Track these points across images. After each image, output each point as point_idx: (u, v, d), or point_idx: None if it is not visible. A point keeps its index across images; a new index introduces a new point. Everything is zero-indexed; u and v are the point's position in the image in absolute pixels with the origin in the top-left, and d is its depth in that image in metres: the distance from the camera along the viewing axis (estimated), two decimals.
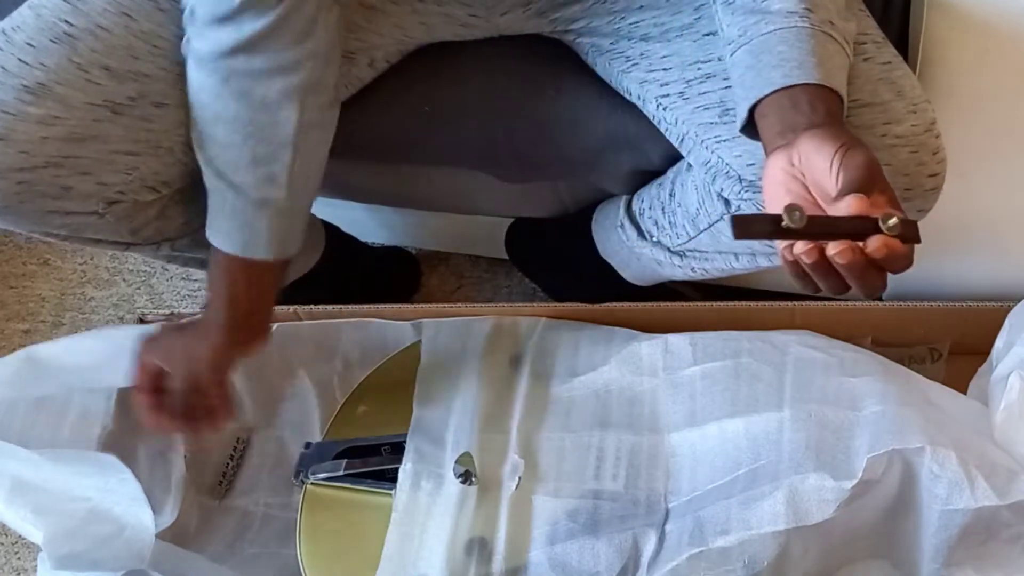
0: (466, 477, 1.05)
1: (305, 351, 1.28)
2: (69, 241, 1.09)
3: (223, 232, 1.01)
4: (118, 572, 1.03)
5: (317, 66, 0.98)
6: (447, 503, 1.05)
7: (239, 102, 0.96)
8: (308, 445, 1.16)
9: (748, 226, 0.75)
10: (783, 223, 0.73)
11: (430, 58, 1.14)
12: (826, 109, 0.84)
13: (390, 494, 1.07)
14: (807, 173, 0.80)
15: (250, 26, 0.92)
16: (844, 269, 0.76)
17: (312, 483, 1.13)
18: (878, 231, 0.74)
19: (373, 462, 1.12)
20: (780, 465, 1.01)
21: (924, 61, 1.05)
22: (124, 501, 1.05)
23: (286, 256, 1.04)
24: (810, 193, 0.80)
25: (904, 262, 0.76)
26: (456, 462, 1.06)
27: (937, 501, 0.97)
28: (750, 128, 0.89)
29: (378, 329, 1.27)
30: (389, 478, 1.09)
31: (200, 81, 0.97)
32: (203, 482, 1.27)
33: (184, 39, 0.98)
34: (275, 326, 1.25)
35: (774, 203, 0.81)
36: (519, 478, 1.07)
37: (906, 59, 1.07)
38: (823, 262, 0.76)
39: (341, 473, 1.12)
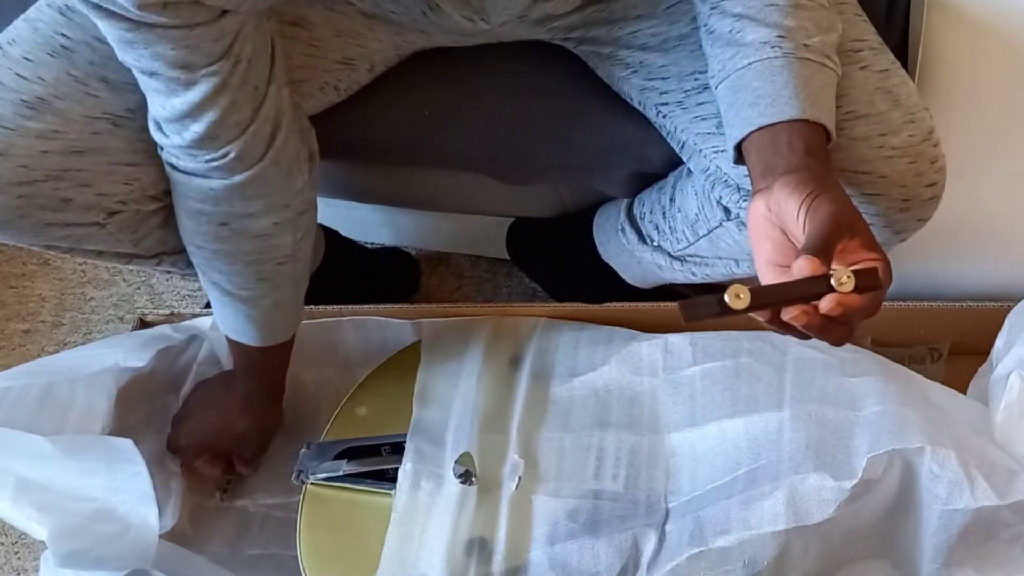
0: (466, 477, 1.05)
1: (305, 351, 1.28)
2: (71, 254, 1.09)
3: (240, 332, 1.09)
4: (122, 571, 1.03)
5: (306, 195, 1.04)
6: (447, 503, 1.05)
7: (237, 239, 1.01)
8: (308, 445, 1.16)
9: (696, 310, 0.74)
10: (728, 304, 0.73)
11: (431, 62, 1.14)
12: (804, 146, 0.84)
13: (390, 494, 1.07)
14: (781, 221, 0.80)
15: (241, 176, 0.95)
16: (804, 328, 0.76)
17: (312, 483, 1.13)
18: (831, 289, 0.74)
19: (373, 462, 1.12)
20: (780, 465, 1.01)
21: (924, 61, 1.05)
22: (130, 500, 1.06)
23: (298, 326, 1.15)
24: (789, 241, 0.80)
25: (864, 312, 0.76)
26: (456, 462, 1.06)
27: (937, 501, 0.97)
28: (742, 162, 0.89)
29: (378, 329, 1.27)
30: (389, 478, 1.09)
31: (194, 227, 1.02)
32: (202, 483, 1.26)
33: (168, 180, 1.01)
34: None
35: (757, 247, 0.82)
36: (519, 478, 1.07)
37: (907, 60, 1.07)
38: (779, 320, 0.77)
39: (341, 473, 1.12)
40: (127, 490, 1.05)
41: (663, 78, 1.04)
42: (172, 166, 0.97)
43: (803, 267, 0.74)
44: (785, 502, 0.97)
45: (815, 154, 0.84)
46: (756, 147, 0.85)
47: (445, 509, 1.05)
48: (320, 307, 1.27)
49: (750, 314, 0.77)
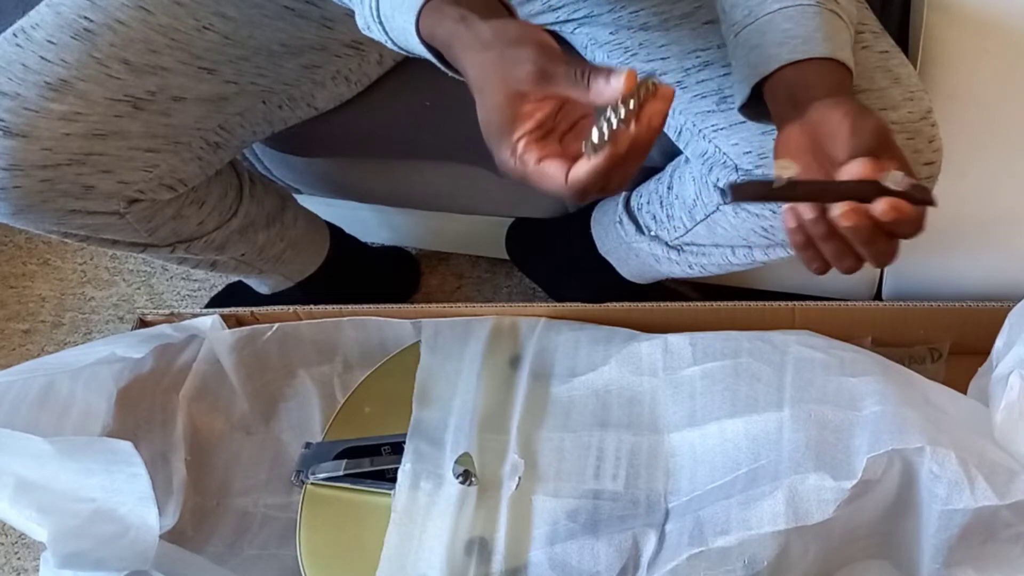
0: (465, 477, 1.05)
1: (305, 351, 1.28)
2: (87, 242, 1.11)
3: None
4: (122, 572, 1.04)
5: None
6: (447, 503, 1.06)
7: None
8: (308, 445, 1.16)
9: (742, 189, 0.73)
10: (774, 183, 0.72)
11: None
12: (834, 80, 0.84)
13: (390, 494, 1.07)
14: (816, 142, 0.79)
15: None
16: (850, 233, 0.74)
17: (312, 483, 1.13)
18: (883, 194, 0.72)
19: (373, 462, 1.12)
20: (780, 465, 1.01)
21: (924, 62, 1.06)
22: (130, 501, 1.06)
23: None
24: (823, 166, 0.79)
25: (914, 226, 0.74)
26: (455, 462, 1.06)
27: (937, 501, 0.97)
28: (749, 109, 0.89)
29: (378, 329, 1.27)
30: (389, 478, 1.09)
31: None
32: (202, 483, 1.27)
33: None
34: (275, 326, 1.26)
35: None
36: (519, 478, 1.07)
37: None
38: (831, 231, 0.75)
39: (341, 473, 1.12)
40: (126, 491, 1.06)
41: (663, 58, 1.04)
42: None
43: (857, 168, 0.73)
44: (785, 502, 0.97)
45: (845, 88, 0.84)
46: (783, 84, 0.85)
47: (445, 509, 1.05)
48: (320, 307, 1.27)
49: (790, 224, 0.76)
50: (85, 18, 0.99)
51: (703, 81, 1.01)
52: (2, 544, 1.41)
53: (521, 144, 0.75)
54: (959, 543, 0.98)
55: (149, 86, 1.01)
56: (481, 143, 1.17)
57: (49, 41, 0.98)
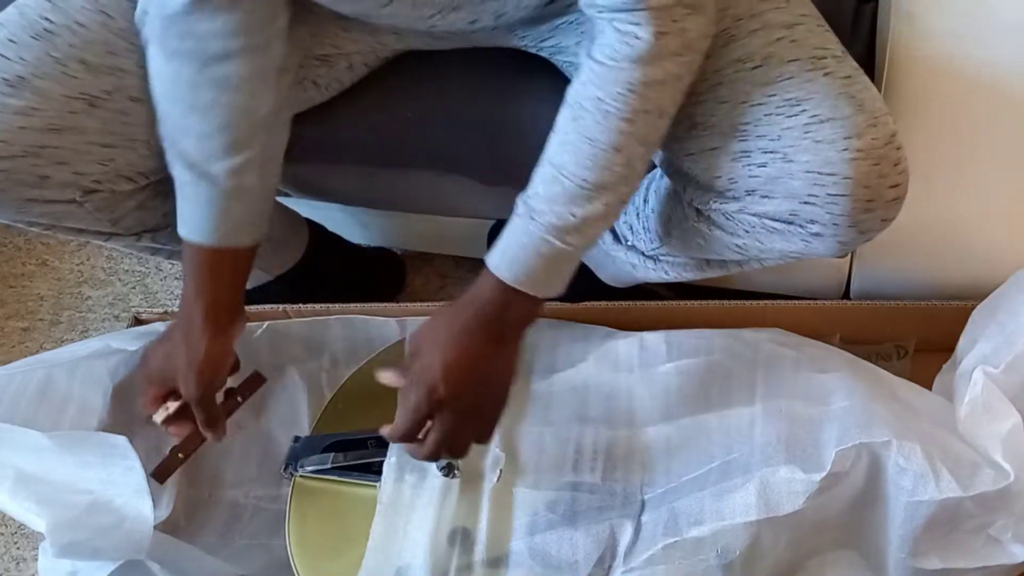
0: (448, 470, 1.06)
1: (294, 348, 1.29)
2: (52, 231, 1.11)
3: (198, 227, 1.02)
4: (117, 561, 1.05)
5: (283, 46, 1.01)
6: (430, 495, 1.06)
7: (216, 88, 0.98)
8: (297, 439, 1.17)
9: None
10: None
11: (412, 63, 1.15)
12: (479, 288, 0.95)
13: (375, 486, 1.08)
14: None
15: (224, 17, 0.95)
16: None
17: (301, 476, 1.13)
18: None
19: (359, 455, 1.12)
20: (752, 458, 1.03)
21: (891, 69, 1.07)
22: (125, 493, 1.06)
23: (259, 239, 1.07)
24: None
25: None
26: None
27: (903, 493, 0.98)
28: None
29: (364, 327, 1.27)
30: (375, 471, 1.10)
31: (173, 73, 0.98)
32: (195, 475, 1.27)
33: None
34: (265, 324, 1.26)
35: None
36: (500, 471, 1.08)
37: (873, 67, 1.09)
38: None
39: (328, 466, 1.12)
40: (122, 484, 1.06)
41: None
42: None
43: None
44: (756, 494, 0.99)
45: (476, 299, 0.95)
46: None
47: (428, 501, 1.06)
48: (308, 306, 1.28)
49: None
50: (46, 19, 1.00)
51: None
52: (2, 534, 1.41)
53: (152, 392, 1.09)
54: (924, 533, 1.00)
55: (106, 86, 1.02)
56: (460, 153, 1.19)
57: (10, 40, 1.00)
